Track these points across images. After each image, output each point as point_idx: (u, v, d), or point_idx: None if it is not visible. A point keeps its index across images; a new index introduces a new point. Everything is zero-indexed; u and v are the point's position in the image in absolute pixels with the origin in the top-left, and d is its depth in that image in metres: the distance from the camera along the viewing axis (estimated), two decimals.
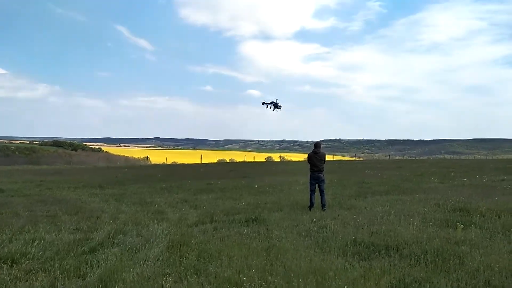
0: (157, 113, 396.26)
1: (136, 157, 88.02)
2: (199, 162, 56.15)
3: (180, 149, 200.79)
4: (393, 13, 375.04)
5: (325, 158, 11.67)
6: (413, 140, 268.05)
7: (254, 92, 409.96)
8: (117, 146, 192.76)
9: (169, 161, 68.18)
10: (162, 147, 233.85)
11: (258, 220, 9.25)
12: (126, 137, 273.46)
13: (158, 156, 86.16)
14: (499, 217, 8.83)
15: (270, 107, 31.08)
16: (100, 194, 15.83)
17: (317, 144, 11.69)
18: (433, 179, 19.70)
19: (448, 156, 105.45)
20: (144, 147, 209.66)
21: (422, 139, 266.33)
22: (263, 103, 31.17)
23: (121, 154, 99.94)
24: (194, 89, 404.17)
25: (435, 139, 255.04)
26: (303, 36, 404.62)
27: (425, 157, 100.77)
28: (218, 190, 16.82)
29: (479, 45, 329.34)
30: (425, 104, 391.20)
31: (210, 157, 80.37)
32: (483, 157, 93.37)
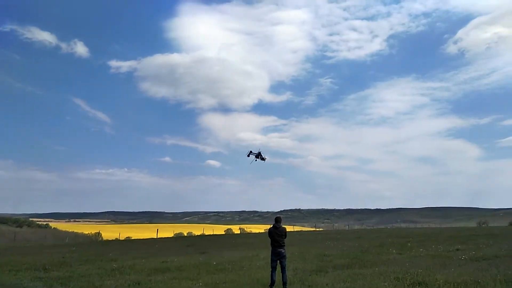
0: (113, 186, 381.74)
1: (87, 233, 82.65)
2: (155, 237, 53.56)
3: (135, 223, 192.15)
4: (343, 89, 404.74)
5: (285, 233, 11.53)
6: (370, 209, 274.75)
7: (214, 163, 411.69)
8: (66, 222, 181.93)
9: (123, 237, 64.52)
10: (115, 221, 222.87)
11: None
12: (77, 211, 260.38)
13: (111, 232, 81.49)
14: None
15: (255, 159, 30.81)
16: (44, 278, 14.45)
17: (277, 219, 11.60)
18: (391, 250, 19.88)
19: (404, 225, 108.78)
20: (96, 221, 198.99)
21: (378, 207, 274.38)
22: (250, 152, 31.10)
23: (70, 230, 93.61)
24: (153, 161, 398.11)
25: (390, 208, 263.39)
26: (260, 109, 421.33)
27: (383, 226, 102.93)
28: (174, 269, 15.91)
29: (424, 118, 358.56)
30: (379, 174, 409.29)
31: (167, 231, 76.97)
32: (437, 225, 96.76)
